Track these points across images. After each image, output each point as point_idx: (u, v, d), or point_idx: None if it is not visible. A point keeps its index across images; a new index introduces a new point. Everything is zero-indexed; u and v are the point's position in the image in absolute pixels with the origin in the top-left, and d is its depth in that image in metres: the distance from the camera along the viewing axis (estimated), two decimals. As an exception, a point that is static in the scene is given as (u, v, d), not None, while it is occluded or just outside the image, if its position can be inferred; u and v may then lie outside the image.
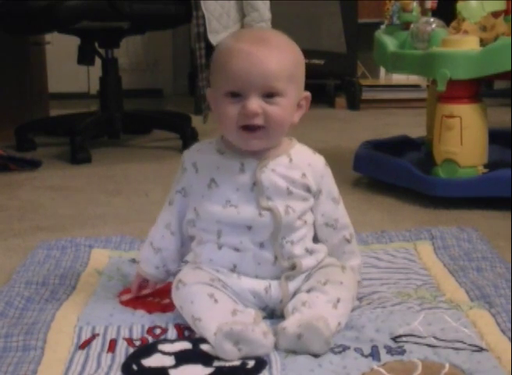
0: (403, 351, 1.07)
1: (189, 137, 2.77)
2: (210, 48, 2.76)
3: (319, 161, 1.22)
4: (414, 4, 2.16)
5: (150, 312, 1.23)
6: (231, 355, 1.04)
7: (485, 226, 1.72)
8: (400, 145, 2.32)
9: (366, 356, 1.06)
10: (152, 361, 1.06)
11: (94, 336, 1.15)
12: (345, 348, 1.08)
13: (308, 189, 1.19)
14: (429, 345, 1.08)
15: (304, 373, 1.01)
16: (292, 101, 1.16)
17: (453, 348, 1.07)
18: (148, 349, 1.09)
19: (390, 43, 2.15)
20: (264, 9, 2.84)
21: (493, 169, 1.93)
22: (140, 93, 4.25)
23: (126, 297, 1.29)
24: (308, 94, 1.20)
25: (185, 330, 1.15)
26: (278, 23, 2.96)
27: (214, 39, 2.75)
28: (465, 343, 1.09)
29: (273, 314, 1.19)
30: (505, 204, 1.88)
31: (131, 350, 1.10)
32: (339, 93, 3.92)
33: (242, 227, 1.16)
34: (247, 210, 1.16)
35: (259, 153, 1.18)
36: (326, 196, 1.22)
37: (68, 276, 1.39)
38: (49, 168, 2.53)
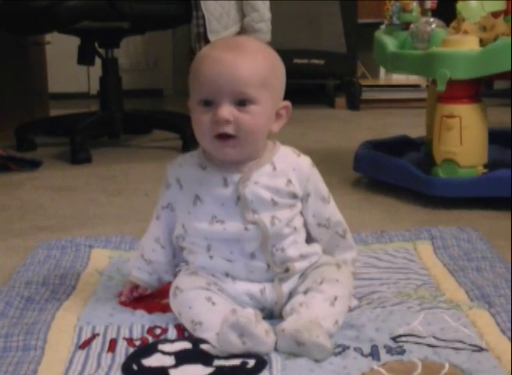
0: (402, 351, 1.07)
1: (189, 137, 2.76)
2: (210, 48, 2.76)
3: (304, 163, 1.20)
4: (414, 4, 2.16)
5: (150, 312, 1.23)
6: (235, 347, 1.04)
7: (484, 226, 1.72)
8: (400, 145, 2.32)
9: (366, 356, 1.06)
10: (152, 361, 1.06)
11: (94, 336, 1.15)
12: (345, 348, 1.08)
13: (294, 195, 1.18)
14: (429, 345, 1.08)
15: (304, 373, 1.02)
16: (266, 109, 1.14)
17: (452, 347, 1.07)
18: (148, 349, 1.09)
19: (390, 43, 2.15)
20: (264, 9, 2.84)
21: (493, 169, 1.93)
22: (140, 93, 4.25)
23: (122, 298, 1.29)
24: (288, 103, 1.19)
25: (185, 330, 1.15)
26: (278, 23, 2.97)
27: (214, 39, 2.75)
28: (465, 343, 1.09)
29: (272, 315, 1.19)
30: (505, 204, 1.88)
31: (131, 350, 1.10)
32: (339, 93, 3.92)
33: (230, 240, 1.16)
34: (233, 225, 1.15)
35: (241, 165, 1.17)
36: (315, 197, 1.21)
37: (68, 276, 1.39)
38: (49, 168, 2.53)
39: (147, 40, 4.36)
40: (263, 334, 1.05)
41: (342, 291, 1.16)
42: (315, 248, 1.23)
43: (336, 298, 1.14)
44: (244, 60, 1.11)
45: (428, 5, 2.26)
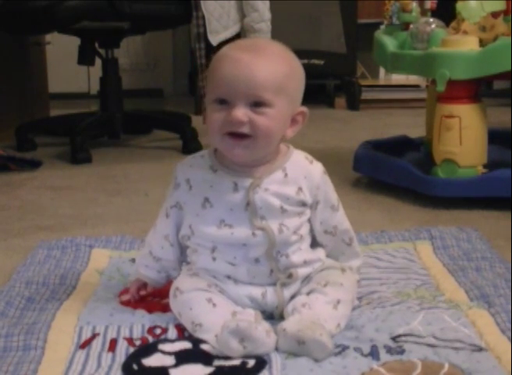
0: (402, 351, 1.07)
1: (189, 137, 2.77)
2: (210, 49, 2.77)
3: (316, 171, 1.19)
4: (414, 4, 2.16)
5: (150, 311, 1.23)
6: (235, 353, 1.04)
7: (484, 226, 1.72)
8: (400, 145, 2.32)
9: (366, 356, 1.06)
10: (152, 360, 1.06)
11: (94, 335, 1.15)
12: (345, 348, 1.08)
13: (304, 203, 1.18)
14: (429, 345, 1.08)
15: (303, 372, 1.02)
16: (282, 113, 1.12)
17: (452, 347, 1.07)
18: (149, 349, 1.09)
19: (390, 43, 2.15)
20: (264, 9, 2.84)
21: (493, 169, 1.93)
22: (140, 93, 4.25)
23: (126, 297, 1.29)
24: (305, 109, 1.17)
25: (185, 330, 1.15)
26: (278, 23, 2.97)
27: (214, 39, 2.75)
28: (465, 343, 1.09)
29: (272, 316, 1.19)
30: (504, 204, 1.88)
31: (131, 350, 1.10)
32: (338, 93, 3.92)
33: (236, 245, 1.16)
34: (241, 230, 1.15)
35: (252, 170, 1.16)
36: (324, 205, 1.21)
37: (68, 276, 1.39)
38: (49, 168, 2.53)
39: (147, 40, 4.36)
40: (264, 336, 1.05)
41: (345, 295, 1.16)
42: (319, 253, 1.23)
43: (339, 302, 1.14)
44: (262, 62, 1.10)
45: (428, 5, 2.26)
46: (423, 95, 3.24)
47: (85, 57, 2.85)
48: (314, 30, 3.79)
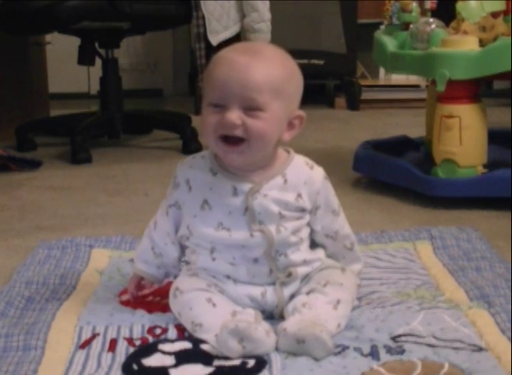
0: (402, 351, 1.07)
1: (189, 137, 2.77)
2: (210, 49, 2.77)
3: (316, 177, 1.19)
4: (414, 4, 2.16)
5: (150, 311, 1.23)
6: (234, 353, 1.04)
7: (484, 226, 1.72)
8: (400, 145, 2.32)
9: (366, 356, 1.06)
10: (152, 360, 1.06)
11: (94, 335, 1.15)
12: (344, 348, 1.08)
13: (303, 209, 1.18)
14: (429, 345, 1.08)
15: (303, 372, 1.02)
16: (277, 117, 1.11)
17: (452, 347, 1.07)
18: (149, 349, 1.09)
19: (390, 43, 2.15)
20: (263, 9, 2.84)
21: (493, 169, 1.93)
22: (140, 93, 4.25)
23: (126, 297, 1.29)
24: (302, 113, 1.16)
25: (185, 330, 1.15)
26: (278, 23, 2.97)
27: (214, 39, 2.75)
28: (465, 343, 1.09)
29: (272, 316, 1.19)
30: (504, 204, 1.88)
31: (131, 350, 1.10)
32: (338, 93, 3.92)
33: (235, 246, 1.16)
34: (239, 233, 1.15)
35: (252, 174, 1.15)
36: (325, 210, 1.20)
37: (68, 276, 1.39)
38: (49, 168, 2.53)
39: (147, 40, 4.36)
40: (263, 335, 1.05)
41: (345, 295, 1.16)
42: (319, 254, 1.23)
43: (338, 302, 1.14)
44: (258, 65, 1.09)
45: (428, 5, 2.26)
46: (423, 95, 3.24)
47: (85, 57, 2.85)
48: (314, 30, 3.79)
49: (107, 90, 2.91)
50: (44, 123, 3.18)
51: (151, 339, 1.14)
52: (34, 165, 2.51)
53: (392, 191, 2.08)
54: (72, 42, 2.92)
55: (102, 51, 2.89)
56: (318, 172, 1.20)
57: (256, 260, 1.16)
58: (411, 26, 2.12)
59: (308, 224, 1.20)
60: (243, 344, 1.04)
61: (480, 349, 1.07)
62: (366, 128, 3.26)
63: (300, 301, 1.14)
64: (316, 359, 1.05)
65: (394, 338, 1.11)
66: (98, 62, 2.90)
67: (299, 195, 1.17)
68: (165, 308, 1.23)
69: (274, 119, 1.11)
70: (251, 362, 1.04)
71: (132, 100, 3.44)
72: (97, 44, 2.89)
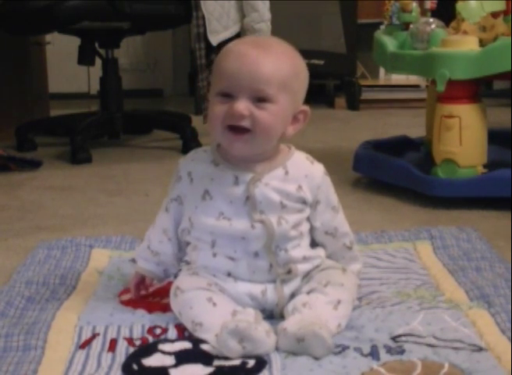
0: (402, 351, 1.07)
1: (189, 137, 2.77)
2: (210, 49, 2.77)
3: (317, 171, 1.20)
4: (414, 4, 2.16)
5: (150, 311, 1.23)
6: (234, 353, 1.04)
7: (484, 226, 1.72)
8: (400, 145, 2.32)
9: (366, 356, 1.06)
10: (152, 360, 1.06)
11: (94, 335, 1.15)
12: (345, 348, 1.08)
13: (304, 201, 1.19)
14: (429, 345, 1.08)
15: (303, 372, 1.02)
16: (283, 110, 1.13)
17: (452, 347, 1.07)
18: (149, 349, 1.09)
19: (390, 43, 2.15)
20: (264, 10, 2.83)
21: (493, 169, 1.93)
22: (140, 93, 4.25)
23: (126, 296, 1.29)
24: (307, 108, 1.18)
25: (185, 330, 1.15)
26: (278, 23, 2.96)
27: (214, 39, 2.75)
28: (465, 343, 1.09)
29: (272, 315, 1.19)
30: (504, 204, 1.88)
31: (131, 350, 1.10)
32: (338, 93, 3.92)
33: (236, 238, 1.16)
34: (240, 222, 1.16)
35: (254, 165, 1.17)
36: (325, 205, 1.21)
37: (68, 276, 1.39)
38: (49, 168, 2.53)
39: (147, 40, 4.36)
40: (263, 336, 1.05)
41: (346, 296, 1.16)
42: (319, 251, 1.23)
43: (339, 302, 1.14)
44: (268, 59, 1.12)
45: (428, 5, 2.26)
46: (423, 95, 3.24)
47: (85, 57, 2.85)
48: (314, 30, 3.79)
49: (107, 90, 2.91)
50: (44, 123, 3.18)
51: (151, 339, 1.14)
52: (34, 165, 2.51)
53: (392, 191, 2.08)
54: (72, 42, 2.92)
55: (102, 51, 2.89)
56: (319, 167, 1.21)
57: (256, 254, 1.16)
58: (411, 26, 2.12)
59: (308, 220, 1.21)
60: (243, 344, 1.04)
61: (480, 349, 1.07)
62: (366, 128, 3.26)
63: (301, 301, 1.14)
64: (316, 358, 1.05)
65: (394, 338, 1.11)
66: (98, 62, 2.90)
67: (300, 187, 1.18)
68: (165, 308, 1.23)
69: (280, 111, 1.13)
70: (251, 362, 1.04)
71: (132, 100, 3.44)
72: (97, 44, 2.89)
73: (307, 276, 1.20)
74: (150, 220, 1.31)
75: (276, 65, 1.12)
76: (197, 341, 1.10)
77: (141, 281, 1.29)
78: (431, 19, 2.07)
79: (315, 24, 3.79)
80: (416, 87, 3.81)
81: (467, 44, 1.90)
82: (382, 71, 3.96)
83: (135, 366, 1.04)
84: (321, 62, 3.74)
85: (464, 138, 1.92)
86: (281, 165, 1.18)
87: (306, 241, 1.21)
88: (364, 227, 1.70)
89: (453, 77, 1.87)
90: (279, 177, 1.17)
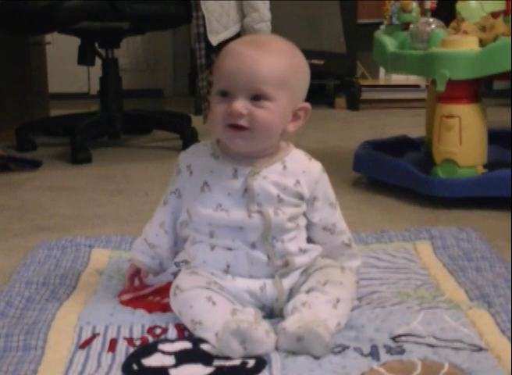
0: (402, 351, 1.07)
1: (189, 137, 2.77)
2: (210, 49, 2.76)
3: (315, 167, 1.22)
4: (414, 4, 2.16)
5: (150, 311, 1.23)
6: (236, 353, 1.04)
7: (484, 226, 1.72)
8: (400, 145, 2.32)
9: (365, 356, 1.06)
10: (152, 360, 1.06)
11: (94, 335, 1.15)
12: (344, 348, 1.08)
13: (301, 196, 1.20)
14: (429, 345, 1.08)
15: (303, 372, 1.02)
16: (282, 107, 1.15)
17: (452, 347, 1.07)
18: (148, 349, 1.09)
19: (390, 43, 2.16)
20: (264, 10, 2.83)
21: (493, 169, 1.93)
22: (140, 93, 4.25)
23: (126, 296, 1.29)
24: (307, 105, 1.19)
25: (185, 330, 1.15)
26: (278, 23, 2.96)
27: (214, 39, 2.75)
28: (465, 343, 1.09)
29: (272, 313, 1.20)
30: (504, 204, 1.88)
31: (131, 350, 1.10)
32: (338, 93, 3.92)
33: (233, 228, 1.17)
34: (237, 213, 1.17)
35: (253, 160, 1.18)
36: (323, 201, 1.22)
37: (68, 275, 1.39)
38: (49, 168, 2.53)
39: (147, 40, 4.36)
40: (263, 336, 1.05)
41: (345, 294, 1.16)
42: (315, 246, 1.24)
43: (338, 301, 1.14)
44: (265, 57, 1.13)
45: (428, 5, 2.26)
46: (423, 95, 3.24)
47: (85, 57, 2.85)
48: (314, 30, 3.79)
49: (107, 90, 2.91)
50: (44, 123, 3.18)
51: (150, 339, 1.14)
52: (34, 165, 2.51)
53: (392, 191, 2.08)
54: (72, 42, 2.92)
55: (102, 51, 2.90)
56: (316, 164, 1.23)
57: (253, 245, 1.17)
58: (411, 26, 2.12)
59: (305, 216, 1.22)
60: (244, 345, 1.04)
61: (480, 349, 1.07)
62: (366, 128, 3.26)
63: (300, 300, 1.14)
64: (316, 358, 1.05)
65: (394, 338, 1.11)
66: (98, 62, 2.91)
67: (297, 182, 1.19)
68: (165, 308, 1.23)
69: (279, 109, 1.14)
70: (251, 362, 1.04)
71: (132, 100, 3.44)
72: (97, 44, 2.89)
73: (305, 271, 1.20)
74: (149, 219, 1.31)
75: (273, 63, 1.13)
76: (197, 341, 1.10)
77: (136, 273, 1.31)
78: (431, 19, 2.07)
79: (315, 24, 3.79)
80: (416, 87, 3.82)
81: (467, 44, 1.90)
82: (382, 71, 3.96)
83: (135, 366, 1.04)
84: (321, 62, 3.74)
85: (464, 138, 1.92)
86: (280, 160, 1.20)
87: (303, 234, 1.22)
88: (364, 227, 1.70)
89: (453, 77, 1.87)
90: (278, 172, 1.19)
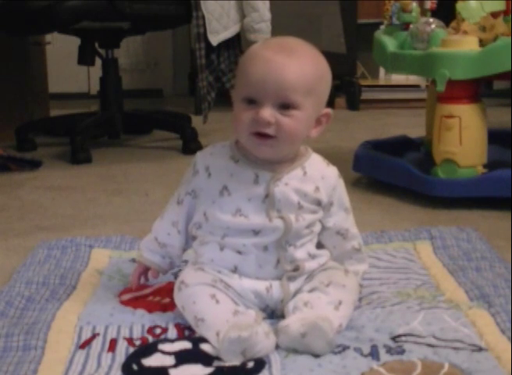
0: (402, 351, 1.07)
1: (189, 137, 2.77)
2: (210, 49, 2.77)
3: (332, 173, 1.23)
4: (414, 4, 2.16)
5: (150, 311, 1.23)
6: (236, 360, 1.04)
7: (484, 226, 1.72)
8: (400, 145, 2.32)
9: (366, 356, 1.06)
10: (152, 360, 1.06)
11: (94, 336, 1.15)
12: (345, 348, 1.08)
13: (319, 203, 1.20)
14: (429, 345, 1.08)
15: (303, 372, 1.02)
16: (308, 115, 1.14)
17: (452, 347, 1.07)
18: (148, 349, 1.09)
19: (390, 43, 2.15)
20: (264, 10, 2.84)
21: (492, 169, 1.93)
22: (140, 93, 4.26)
23: (126, 296, 1.29)
24: (329, 111, 1.19)
25: (185, 330, 1.15)
26: (278, 23, 2.96)
27: (214, 39, 2.75)
28: (464, 343, 1.09)
29: (273, 314, 1.19)
30: (504, 204, 1.88)
31: (131, 350, 1.10)
32: (338, 93, 3.92)
33: (248, 232, 1.17)
34: (257, 219, 1.16)
35: (274, 165, 1.18)
36: (338, 207, 1.23)
37: (68, 275, 1.39)
38: (49, 168, 2.53)
39: (147, 40, 4.36)
40: (263, 339, 1.05)
41: (347, 297, 1.16)
42: (324, 251, 1.24)
43: (340, 303, 1.14)
44: (293, 64, 1.11)
45: (428, 5, 2.26)
46: (423, 95, 3.24)
47: (85, 57, 2.85)
48: (314, 30, 3.79)
49: (107, 90, 2.91)
50: (44, 123, 3.18)
51: (150, 339, 1.14)
52: (34, 165, 2.51)
53: (392, 191, 2.08)
54: (72, 42, 2.92)
55: (102, 51, 2.90)
56: (333, 169, 1.24)
57: (266, 248, 1.17)
58: (411, 26, 2.12)
59: (320, 221, 1.22)
60: (245, 353, 1.04)
61: (480, 349, 1.07)
62: (366, 128, 3.26)
63: (302, 299, 1.14)
64: (316, 357, 1.05)
65: (394, 338, 1.11)
66: (98, 62, 2.91)
67: (317, 188, 1.19)
68: (165, 308, 1.23)
69: (305, 117, 1.14)
70: (251, 363, 1.04)
71: (132, 100, 3.44)
72: (97, 44, 2.89)
73: (310, 275, 1.20)
74: (150, 220, 1.31)
75: (301, 71, 1.12)
76: (197, 341, 1.10)
77: (144, 271, 1.30)
78: (431, 19, 2.07)
79: (315, 24, 3.79)
80: (416, 87, 3.82)
81: (467, 44, 1.90)
82: (382, 71, 3.96)
83: (135, 366, 1.04)
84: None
85: (464, 138, 1.92)
86: (300, 166, 1.19)
87: (314, 240, 1.23)
88: (364, 227, 1.69)
89: (453, 77, 1.87)
90: (298, 177, 1.18)
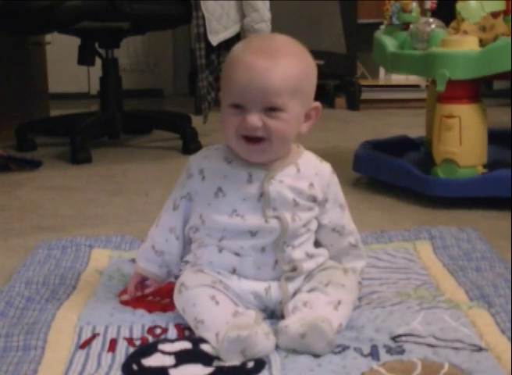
0: (402, 351, 1.07)
1: (189, 137, 2.77)
2: (210, 49, 2.77)
3: (326, 169, 1.22)
4: (414, 4, 2.16)
5: (150, 311, 1.23)
6: (235, 361, 1.04)
7: (484, 226, 1.72)
8: (400, 145, 2.32)
9: (366, 356, 1.06)
10: (152, 361, 1.06)
11: (94, 336, 1.15)
12: (345, 348, 1.08)
13: (314, 199, 1.20)
14: (429, 345, 1.08)
15: (303, 372, 1.02)
16: (296, 114, 1.14)
17: (452, 347, 1.07)
18: (148, 349, 1.09)
19: (390, 43, 2.15)
20: (264, 10, 2.83)
21: (492, 169, 1.93)
22: (140, 93, 4.26)
23: (126, 296, 1.29)
24: (318, 104, 1.19)
25: (185, 330, 1.15)
26: (278, 23, 2.96)
27: (214, 39, 2.75)
28: (464, 343, 1.09)
29: (273, 315, 1.19)
30: (504, 204, 1.88)
31: (131, 350, 1.10)
32: (338, 93, 3.92)
33: (245, 233, 1.17)
34: (253, 219, 1.16)
35: (267, 163, 1.18)
36: (333, 203, 1.23)
37: (68, 276, 1.39)
38: (49, 168, 2.53)
39: (147, 40, 4.36)
40: (263, 339, 1.05)
41: (346, 297, 1.16)
42: (322, 251, 1.24)
43: (339, 302, 1.14)
44: (276, 68, 1.11)
45: (428, 5, 2.26)
46: (423, 95, 3.24)
47: (85, 57, 2.85)
48: (314, 30, 3.79)
49: (107, 90, 2.91)
50: (44, 123, 3.18)
51: (150, 339, 1.14)
52: (34, 165, 2.51)
53: (392, 191, 2.08)
54: (72, 42, 2.92)
55: (102, 51, 2.90)
56: (327, 166, 1.24)
57: (263, 249, 1.17)
58: (411, 26, 2.12)
59: (316, 218, 1.22)
60: (244, 353, 1.04)
61: (480, 349, 1.07)
62: (366, 128, 3.26)
63: (301, 300, 1.14)
64: (316, 356, 1.05)
65: (394, 338, 1.11)
66: (98, 62, 2.91)
67: (311, 184, 1.19)
68: (165, 308, 1.23)
69: (293, 117, 1.14)
70: (251, 363, 1.04)
71: (132, 100, 3.44)
72: (97, 44, 2.89)
73: (309, 275, 1.20)
74: (150, 220, 1.31)
75: (285, 74, 1.11)
76: (196, 341, 1.10)
77: (141, 282, 1.29)
78: (431, 19, 2.07)
79: (315, 24, 3.79)
80: (416, 87, 3.82)
81: (467, 44, 1.90)
82: (382, 71, 3.96)
83: (135, 366, 1.04)
84: (321, 62, 3.74)
85: (464, 138, 1.92)
86: (293, 163, 1.20)
87: (311, 239, 1.22)
88: (364, 227, 1.69)
89: (453, 77, 1.87)
90: (292, 175, 1.18)
